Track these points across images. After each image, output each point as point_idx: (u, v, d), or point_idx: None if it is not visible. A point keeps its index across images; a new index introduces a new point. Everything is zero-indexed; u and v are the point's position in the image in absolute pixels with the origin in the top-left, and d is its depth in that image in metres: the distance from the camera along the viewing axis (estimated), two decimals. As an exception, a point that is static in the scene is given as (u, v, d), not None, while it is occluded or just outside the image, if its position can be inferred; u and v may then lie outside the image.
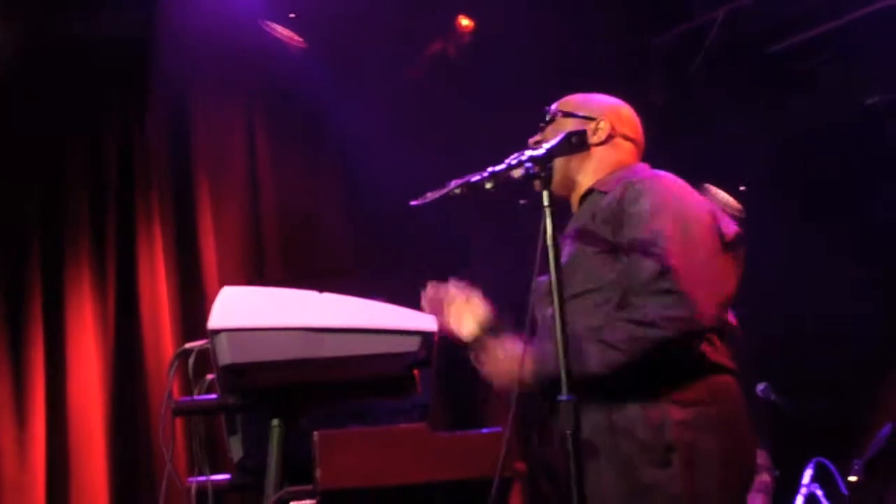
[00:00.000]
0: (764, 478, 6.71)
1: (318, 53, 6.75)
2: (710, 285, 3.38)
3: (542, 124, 3.82)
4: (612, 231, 3.47)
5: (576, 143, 3.20)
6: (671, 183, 3.58)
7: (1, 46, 5.84)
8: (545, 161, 3.15)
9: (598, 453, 3.22)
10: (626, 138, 3.83)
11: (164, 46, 6.40)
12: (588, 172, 3.74)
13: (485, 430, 3.06)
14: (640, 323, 3.26)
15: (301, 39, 6.69)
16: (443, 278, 3.99)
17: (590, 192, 3.69)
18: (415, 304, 3.63)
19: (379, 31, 6.86)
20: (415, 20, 6.95)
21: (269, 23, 6.59)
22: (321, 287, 3.10)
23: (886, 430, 4.93)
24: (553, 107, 3.82)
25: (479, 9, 7.10)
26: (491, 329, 3.51)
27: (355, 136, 6.76)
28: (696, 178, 7.37)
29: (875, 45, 7.20)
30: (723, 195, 7.47)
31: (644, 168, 3.74)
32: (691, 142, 7.62)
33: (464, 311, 3.49)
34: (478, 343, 3.47)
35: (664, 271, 3.30)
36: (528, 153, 3.25)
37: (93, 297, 6.00)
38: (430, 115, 6.99)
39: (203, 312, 6.15)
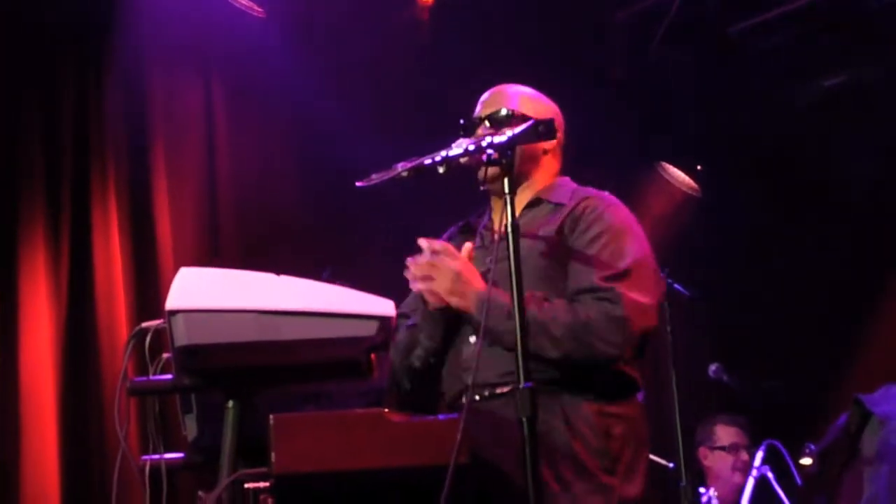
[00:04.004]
0: (743, 456, 6.75)
1: (276, 23, 6.71)
2: (649, 314, 3.54)
3: (486, 124, 3.80)
4: (567, 242, 3.58)
5: (542, 132, 3.18)
6: (630, 214, 3.74)
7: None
8: (507, 148, 3.15)
9: (555, 448, 3.30)
10: (563, 149, 3.89)
11: (121, 13, 6.34)
12: (534, 178, 3.77)
13: (441, 417, 3.06)
14: (584, 325, 3.40)
15: (260, 9, 6.64)
16: (397, 256, 4.00)
17: (536, 200, 3.72)
18: (368, 279, 3.64)
19: (338, 2, 6.83)
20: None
21: (227, -9, 6.55)
22: (276, 268, 3.10)
23: (843, 419, 4.96)
24: (513, 105, 3.80)
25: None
26: None
27: (313, 108, 6.73)
28: (653, 157, 7.48)
29: (835, 26, 7.23)
30: (679, 174, 7.49)
31: (587, 187, 3.82)
32: (649, 119, 7.64)
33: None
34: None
35: (614, 290, 3.45)
36: (489, 139, 3.25)
37: (46, 270, 5.93)
38: (392, 85, 6.97)
39: (157, 286, 6.15)
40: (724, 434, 6.80)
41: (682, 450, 5.34)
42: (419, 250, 3.60)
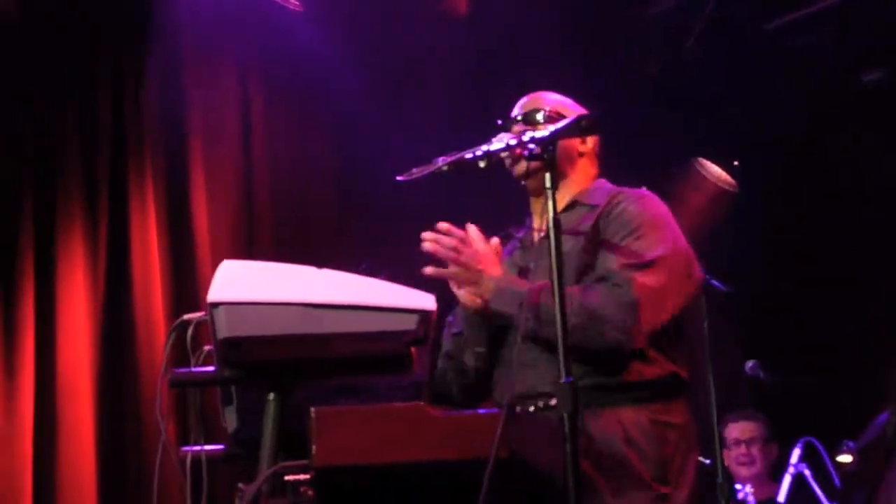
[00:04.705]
0: (741, 449, 6.73)
1: (314, 16, 6.72)
2: (663, 303, 3.48)
3: (519, 123, 3.80)
4: (600, 238, 3.57)
5: (585, 127, 3.18)
6: (664, 208, 3.68)
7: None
8: (549, 143, 3.14)
9: (610, 459, 3.32)
10: (598, 155, 3.87)
11: (158, 8, 6.37)
12: (570, 179, 3.76)
13: (482, 411, 3.07)
14: (591, 311, 3.38)
15: (297, 2, 6.66)
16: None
17: (573, 203, 3.71)
18: (404, 273, 3.63)
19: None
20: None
21: (265, -15, 6.56)
22: (312, 261, 3.10)
23: (883, 417, 4.93)
24: (550, 107, 3.80)
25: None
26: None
27: (350, 102, 6.74)
28: (690, 152, 7.46)
29: (873, 22, 7.20)
30: (716, 170, 7.47)
31: (623, 187, 3.81)
32: (685, 115, 7.61)
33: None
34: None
35: (626, 276, 3.42)
36: (530, 134, 3.24)
37: (84, 263, 5.98)
38: (428, 81, 6.97)
39: (194, 278, 6.18)
40: (731, 430, 6.81)
41: (718, 447, 5.32)
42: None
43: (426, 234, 3.51)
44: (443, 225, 3.52)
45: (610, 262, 3.48)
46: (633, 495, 3.37)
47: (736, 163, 7.46)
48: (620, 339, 3.38)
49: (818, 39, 7.38)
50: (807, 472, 6.47)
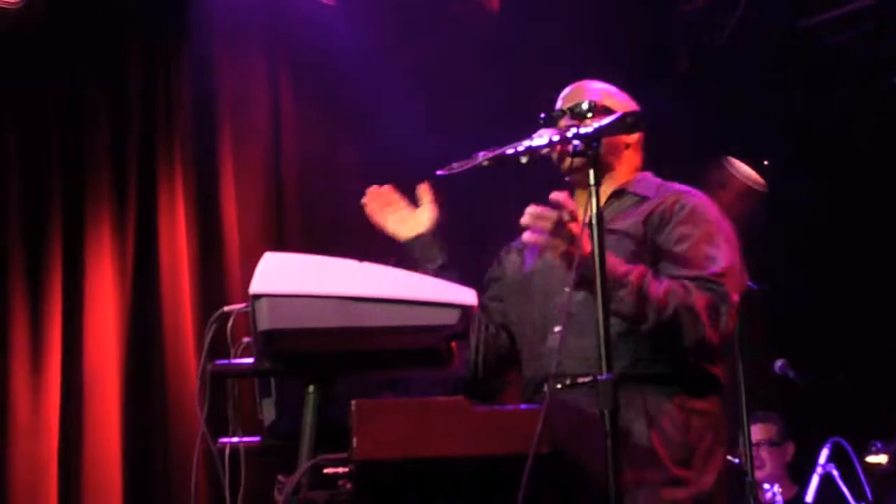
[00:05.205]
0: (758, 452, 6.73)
1: (345, 11, 6.72)
2: (735, 315, 3.49)
3: (566, 116, 3.77)
4: (653, 239, 3.56)
5: (630, 124, 3.17)
6: (716, 208, 3.71)
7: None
8: (593, 139, 3.13)
9: (631, 437, 3.33)
10: (643, 147, 3.86)
11: (192, 3, 6.38)
12: (616, 171, 3.75)
13: (523, 407, 3.06)
14: (689, 308, 3.36)
15: (330, -4, 6.67)
16: (465, 248, 3.99)
17: (620, 191, 3.70)
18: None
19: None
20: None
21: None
22: (343, 255, 3.10)
23: (918, 417, 4.92)
24: (595, 98, 3.78)
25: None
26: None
27: (381, 98, 6.73)
28: (720, 151, 7.43)
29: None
30: (745, 169, 7.44)
31: (672, 182, 3.81)
32: (715, 113, 7.60)
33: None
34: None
35: (723, 287, 3.44)
36: (574, 129, 3.23)
37: (112, 255, 5.99)
38: (458, 78, 6.96)
39: (222, 270, 6.19)
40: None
41: (748, 445, 5.30)
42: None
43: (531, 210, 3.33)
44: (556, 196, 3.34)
45: (690, 268, 3.47)
46: (655, 477, 3.38)
47: (766, 162, 7.43)
48: (710, 339, 3.39)
49: (852, 39, 7.36)
50: (835, 473, 6.46)
